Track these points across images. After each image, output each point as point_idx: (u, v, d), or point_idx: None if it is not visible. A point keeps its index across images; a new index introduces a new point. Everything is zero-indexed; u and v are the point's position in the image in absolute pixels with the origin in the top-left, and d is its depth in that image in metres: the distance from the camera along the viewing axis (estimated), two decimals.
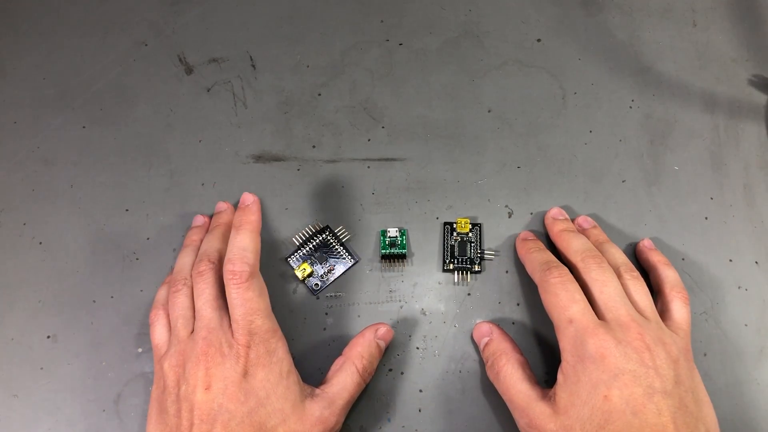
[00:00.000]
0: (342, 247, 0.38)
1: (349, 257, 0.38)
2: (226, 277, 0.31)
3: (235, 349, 0.30)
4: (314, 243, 0.38)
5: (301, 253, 0.38)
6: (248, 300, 0.31)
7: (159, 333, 0.34)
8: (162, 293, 0.36)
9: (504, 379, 0.32)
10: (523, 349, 0.35)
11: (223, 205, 0.38)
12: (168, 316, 0.34)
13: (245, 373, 0.29)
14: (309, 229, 0.38)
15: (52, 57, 0.44)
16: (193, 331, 0.32)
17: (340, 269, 0.38)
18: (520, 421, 0.31)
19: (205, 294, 0.32)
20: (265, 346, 0.30)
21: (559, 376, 0.30)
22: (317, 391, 0.32)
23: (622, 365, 0.28)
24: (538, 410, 0.30)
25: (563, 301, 0.31)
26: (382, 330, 0.35)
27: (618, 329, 0.30)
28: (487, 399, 0.35)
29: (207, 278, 0.33)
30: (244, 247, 0.33)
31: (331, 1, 0.45)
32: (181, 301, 0.33)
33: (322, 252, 0.38)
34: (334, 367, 0.33)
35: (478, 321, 0.37)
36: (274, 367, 0.30)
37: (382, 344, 0.35)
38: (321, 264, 0.38)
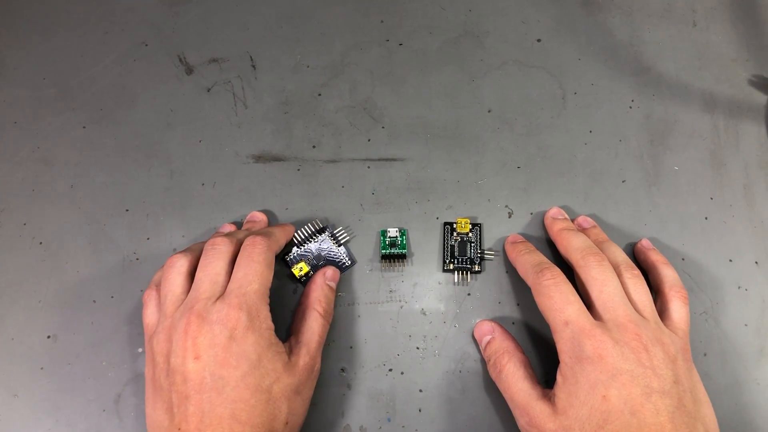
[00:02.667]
0: (340, 248, 0.38)
1: (347, 258, 0.38)
2: (246, 243, 0.33)
3: (225, 313, 0.30)
4: (312, 242, 0.38)
5: (298, 252, 0.38)
6: (257, 263, 0.32)
7: (149, 312, 0.33)
8: (158, 275, 0.35)
9: (506, 377, 0.32)
10: (523, 349, 0.35)
11: (258, 216, 0.38)
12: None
13: (233, 337, 0.29)
14: (308, 228, 0.38)
15: (52, 57, 0.44)
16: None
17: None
18: (521, 420, 0.31)
19: (211, 266, 0.32)
20: (256, 309, 0.30)
21: (558, 377, 0.30)
22: (293, 342, 0.33)
23: (620, 365, 0.28)
24: (538, 409, 0.30)
25: (558, 302, 0.31)
26: (329, 273, 0.36)
27: (615, 329, 0.30)
28: (487, 399, 0.35)
29: (220, 252, 0.32)
30: (271, 231, 0.35)
31: (331, 1, 0.45)
32: (172, 277, 0.33)
33: (320, 252, 0.38)
34: (297, 317, 0.35)
35: (478, 320, 0.37)
36: (264, 330, 0.30)
37: (333, 285, 0.36)
38: (318, 264, 0.37)
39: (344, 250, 0.38)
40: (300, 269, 0.37)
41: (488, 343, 0.35)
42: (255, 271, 0.31)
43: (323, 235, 0.38)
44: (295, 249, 0.38)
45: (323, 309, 0.34)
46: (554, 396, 0.30)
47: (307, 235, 0.38)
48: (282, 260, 0.38)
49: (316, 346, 0.33)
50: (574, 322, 0.30)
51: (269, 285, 0.32)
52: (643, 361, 0.29)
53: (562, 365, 0.30)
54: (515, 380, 0.32)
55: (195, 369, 0.29)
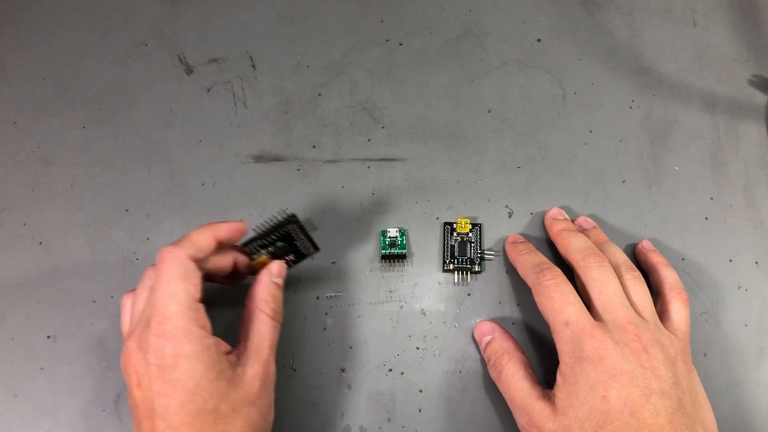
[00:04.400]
0: (305, 238, 0.34)
1: (311, 248, 0.35)
2: (157, 260, 0.29)
3: (151, 344, 0.27)
4: (276, 234, 0.34)
5: (260, 243, 0.34)
6: (167, 281, 0.28)
7: (124, 319, 0.33)
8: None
9: (506, 377, 0.32)
10: (523, 350, 0.35)
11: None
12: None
13: (163, 367, 0.27)
14: (271, 220, 0.33)
15: (52, 57, 0.44)
16: None
17: (298, 260, 0.35)
18: (521, 420, 0.31)
19: (140, 291, 0.31)
20: (183, 333, 0.28)
21: (558, 378, 0.30)
22: (240, 351, 0.30)
23: (620, 366, 0.28)
24: (538, 409, 0.30)
25: (558, 303, 0.31)
26: (275, 269, 0.33)
27: (615, 330, 0.30)
28: (487, 399, 0.35)
29: (148, 277, 0.31)
30: (185, 236, 0.31)
31: (331, 1, 0.45)
32: (140, 291, 0.31)
33: (283, 242, 0.34)
34: (244, 321, 0.32)
35: (478, 320, 0.37)
36: (198, 353, 0.28)
37: (280, 281, 0.33)
38: (284, 256, 0.35)
39: (310, 239, 0.35)
40: (262, 264, 0.33)
41: (488, 343, 0.35)
42: (168, 292, 0.28)
43: (290, 226, 0.34)
44: (256, 242, 0.34)
45: (271, 310, 0.32)
46: (554, 396, 0.30)
47: (272, 225, 0.33)
48: (243, 250, 0.34)
49: (268, 352, 0.31)
50: (575, 323, 0.30)
51: (194, 297, 0.29)
52: (642, 362, 0.29)
53: (561, 365, 0.30)
54: (515, 380, 0.32)
55: (139, 396, 0.28)
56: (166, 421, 0.27)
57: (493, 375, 0.34)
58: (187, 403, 0.27)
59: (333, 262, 0.38)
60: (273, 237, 0.33)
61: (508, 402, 0.32)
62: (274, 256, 0.34)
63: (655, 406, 0.28)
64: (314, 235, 0.35)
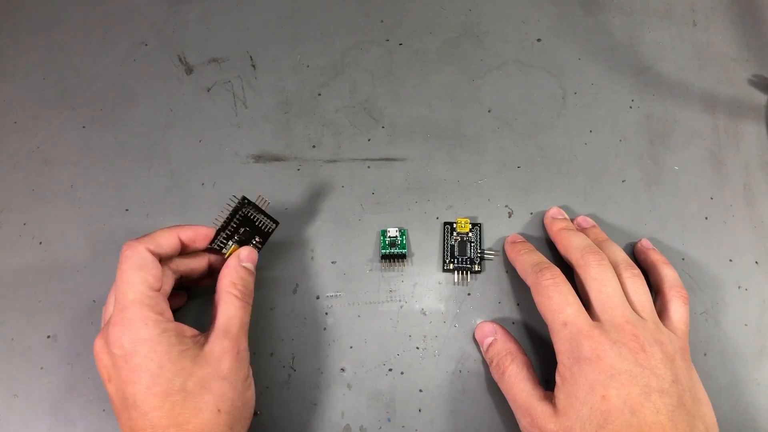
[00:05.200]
0: (263, 216, 0.35)
1: (271, 222, 0.35)
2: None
3: (111, 334, 0.29)
4: (236, 220, 0.34)
5: (224, 235, 0.34)
6: (123, 270, 0.30)
7: (105, 311, 0.33)
8: None
9: (509, 378, 0.32)
10: (525, 351, 0.35)
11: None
12: None
13: (125, 356, 0.28)
14: (226, 209, 0.34)
15: (52, 57, 0.44)
16: None
17: (264, 239, 0.35)
18: (522, 421, 0.31)
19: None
20: (141, 319, 0.29)
21: (557, 378, 0.30)
22: (209, 331, 0.31)
23: (618, 365, 0.28)
24: (540, 410, 0.30)
25: (557, 303, 0.31)
26: (244, 253, 0.34)
27: (613, 330, 0.30)
28: (487, 399, 0.35)
29: (119, 260, 0.31)
30: (156, 232, 0.32)
31: (331, 1, 0.45)
32: (109, 294, 0.33)
33: (245, 227, 0.34)
34: (213, 306, 0.32)
35: (479, 320, 0.37)
36: (157, 335, 0.29)
37: (250, 266, 0.34)
38: (248, 240, 0.35)
39: (267, 215, 0.35)
40: (231, 252, 0.34)
41: (491, 344, 0.35)
42: (124, 280, 0.29)
43: (244, 209, 0.34)
44: (220, 235, 0.34)
45: (239, 291, 0.32)
46: (554, 397, 0.30)
47: (228, 216, 0.34)
48: (213, 250, 0.34)
49: (237, 329, 0.31)
50: (573, 323, 0.30)
51: (152, 285, 0.30)
52: (641, 361, 0.29)
53: (560, 366, 0.30)
54: (517, 381, 0.32)
55: (112, 391, 0.29)
56: (138, 408, 0.28)
57: (496, 376, 0.34)
58: (153, 386, 0.28)
59: (333, 262, 0.38)
60: (233, 225, 0.34)
61: (510, 403, 0.32)
62: (242, 243, 0.35)
63: (655, 404, 0.28)
64: (269, 209, 0.35)
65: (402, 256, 0.38)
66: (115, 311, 0.29)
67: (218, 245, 0.34)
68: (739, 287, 0.38)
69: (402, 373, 0.36)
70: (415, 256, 0.38)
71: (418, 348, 0.37)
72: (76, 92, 0.43)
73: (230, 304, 0.32)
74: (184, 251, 0.33)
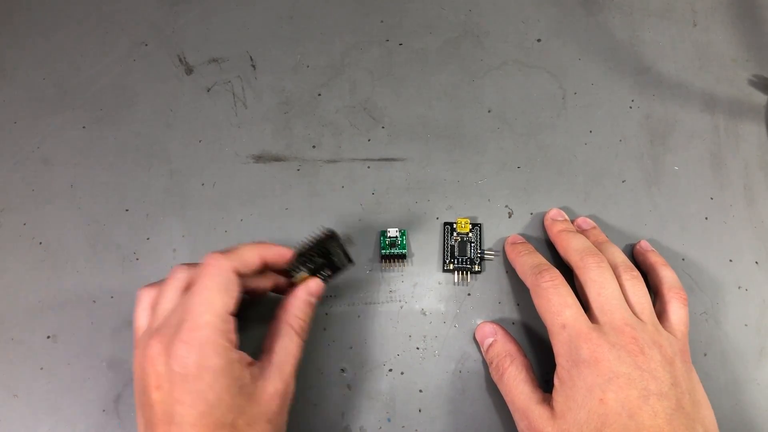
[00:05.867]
0: (341, 252, 0.34)
1: (347, 261, 0.34)
2: (203, 263, 0.29)
3: (178, 350, 0.27)
4: (317, 250, 0.33)
5: (300, 260, 0.33)
6: (208, 289, 0.28)
7: (140, 314, 0.32)
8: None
9: (508, 380, 0.32)
10: (525, 352, 0.35)
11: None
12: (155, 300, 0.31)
13: (187, 377, 0.27)
14: (314, 236, 0.33)
15: (52, 57, 0.44)
16: None
17: (334, 274, 0.35)
18: (520, 424, 0.31)
19: (165, 295, 0.30)
20: (212, 346, 0.27)
21: (555, 381, 0.30)
22: (263, 364, 0.30)
23: (617, 368, 0.28)
24: (537, 413, 0.30)
25: (556, 305, 0.31)
26: (313, 287, 0.33)
27: (611, 333, 0.30)
28: (487, 399, 0.35)
29: (176, 279, 0.30)
30: (235, 248, 0.31)
31: (331, 1, 0.45)
32: (167, 289, 0.30)
33: (322, 258, 0.34)
34: (271, 333, 0.32)
35: (480, 321, 0.37)
36: (223, 367, 0.27)
37: (314, 300, 0.33)
38: (320, 271, 0.34)
39: (343, 252, 0.35)
40: (303, 281, 0.33)
41: (490, 345, 0.35)
42: (205, 299, 0.28)
43: (329, 242, 0.33)
44: (297, 259, 0.33)
45: (300, 327, 0.32)
46: (552, 400, 0.30)
47: (311, 243, 0.33)
48: (285, 272, 0.34)
49: (291, 369, 0.30)
50: (571, 326, 0.30)
51: (229, 309, 0.29)
52: (639, 364, 0.29)
53: (559, 369, 0.30)
54: (516, 383, 0.32)
55: (157, 399, 0.27)
56: (182, 429, 0.27)
57: (495, 377, 0.34)
58: (206, 416, 0.27)
59: None
60: (312, 254, 0.33)
61: (509, 405, 0.32)
62: (313, 272, 0.34)
63: (653, 407, 0.28)
64: (351, 250, 0.34)
65: (402, 257, 0.38)
66: (186, 326, 0.27)
67: (291, 266, 0.33)
68: (739, 287, 0.38)
69: (402, 373, 0.36)
70: (415, 256, 0.38)
71: (418, 348, 0.37)
72: (76, 92, 0.43)
73: (289, 340, 0.31)
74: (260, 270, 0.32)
